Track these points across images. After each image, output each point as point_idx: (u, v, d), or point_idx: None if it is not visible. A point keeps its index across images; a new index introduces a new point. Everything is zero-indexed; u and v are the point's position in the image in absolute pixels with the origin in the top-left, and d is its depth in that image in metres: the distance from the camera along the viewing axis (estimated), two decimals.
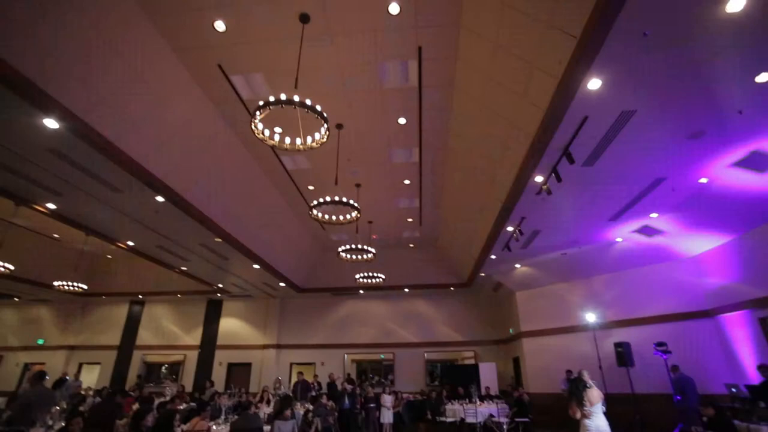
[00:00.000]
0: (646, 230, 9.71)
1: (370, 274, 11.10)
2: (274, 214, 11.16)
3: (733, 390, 7.24)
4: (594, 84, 5.00)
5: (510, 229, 9.46)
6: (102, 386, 13.42)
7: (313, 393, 11.19)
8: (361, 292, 15.94)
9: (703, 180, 7.45)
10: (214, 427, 6.39)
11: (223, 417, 7.06)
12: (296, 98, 4.39)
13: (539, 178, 7.19)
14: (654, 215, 8.93)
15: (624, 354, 9.95)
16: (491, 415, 10.61)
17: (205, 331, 16.94)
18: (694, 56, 4.65)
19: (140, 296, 16.80)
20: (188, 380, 15.85)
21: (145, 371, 16.62)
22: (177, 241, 10.16)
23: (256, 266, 11.87)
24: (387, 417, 10.78)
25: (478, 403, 10.80)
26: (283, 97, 4.39)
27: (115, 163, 6.32)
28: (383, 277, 11.31)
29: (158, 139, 6.77)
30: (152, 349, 16.95)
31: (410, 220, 12.38)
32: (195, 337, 16.94)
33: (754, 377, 8.34)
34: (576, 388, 6.10)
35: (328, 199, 6.78)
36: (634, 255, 10.76)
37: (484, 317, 16.48)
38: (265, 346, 16.33)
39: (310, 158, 9.11)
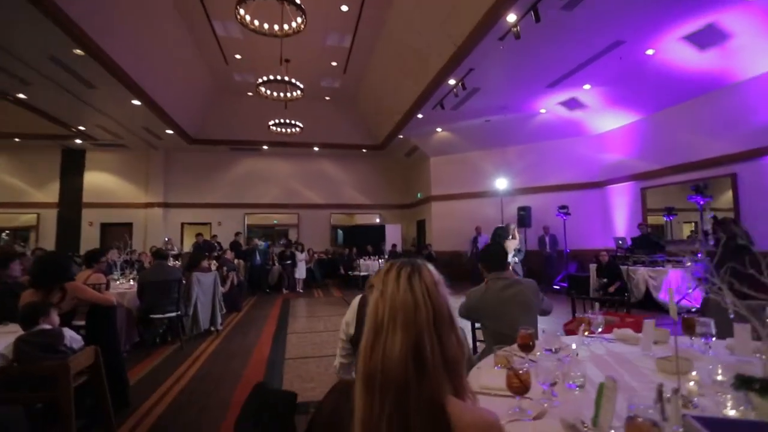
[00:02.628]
0: (571, 103, 9.91)
1: (287, 121, 9.52)
2: (165, 34, 8.37)
3: (620, 242, 8.53)
4: None
5: (452, 82, 8.67)
6: None
7: (216, 253, 10.24)
8: (265, 148, 14.28)
9: (650, 51, 7.44)
10: (118, 282, 5.19)
11: (118, 272, 5.80)
12: None
13: (512, 17, 6.25)
14: (587, 86, 8.99)
15: (525, 217, 10.96)
16: None
17: (65, 187, 13.81)
18: None
19: None
20: (47, 244, 13.23)
21: None
22: (9, 49, 7.02)
23: (136, 102, 9.26)
24: (301, 272, 10.61)
25: None
26: None
27: None
28: (301, 125, 9.89)
29: None
30: None
31: (334, 64, 10.62)
32: (50, 194, 13.77)
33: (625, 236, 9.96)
34: (497, 234, 6.38)
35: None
36: (549, 128, 11.16)
37: (391, 182, 16.57)
38: (148, 205, 14.19)
39: None
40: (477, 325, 3.03)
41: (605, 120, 10.30)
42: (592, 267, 8.35)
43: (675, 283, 6.80)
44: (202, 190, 14.68)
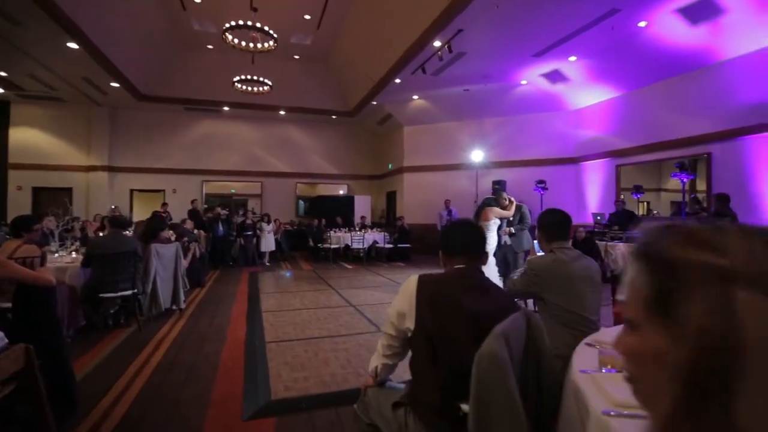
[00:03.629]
0: (553, 75, 9.67)
1: (254, 77, 8.55)
2: None
3: (599, 218, 8.55)
4: None
5: (437, 44, 8.09)
6: None
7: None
8: (226, 109, 13.10)
9: (642, 23, 7.26)
10: (56, 255, 4.36)
11: (56, 243, 4.93)
12: None
13: None
14: (572, 58, 8.75)
15: (500, 191, 10.76)
16: (375, 242, 10.78)
17: None
18: None
19: None
20: None
21: None
22: None
23: (73, 45, 7.94)
24: (268, 244, 9.92)
25: (367, 231, 10.77)
26: None
27: None
28: (270, 84, 8.96)
29: None
30: None
31: (308, 17, 9.63)
32: None
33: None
34: (486, 204, 6.06)
35: None
36: (528, 101, 10.92)
37: (362, 151, 15.91)
38: (90, 168, 12.70)
39: None
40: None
41: (584, 95, 10.17)
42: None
43: None
44: (153, 154, 13.34)
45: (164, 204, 10.72)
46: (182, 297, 4.78)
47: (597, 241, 7.66)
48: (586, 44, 8.06)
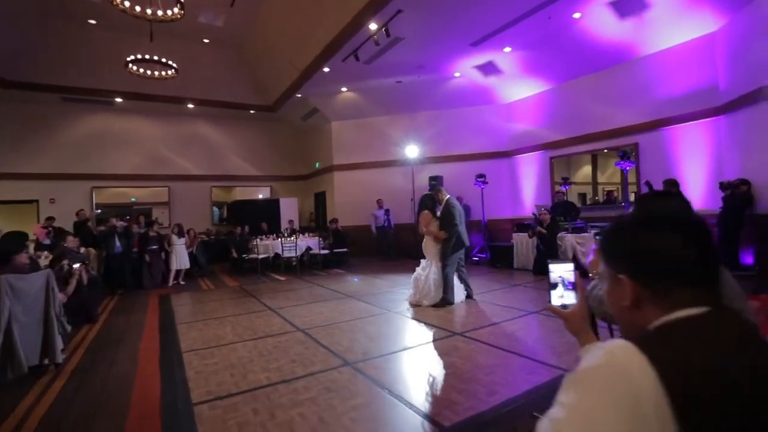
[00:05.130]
0: (487, 67, 9.50)
1: (154, 57, 6.99)
2: None
3: (543, 209, 8.48)
4: None
5: (373, 27, 7.34)
6: None
7: (47, 241, 7.32)
8: (119, 100, 11.00)
9: (577, 15, 7.28)
10: None
11: None
12: None
13: None
14: (507, 49, 8.61)
15: (437, 186, 10.38)
16: (309, 248, 9.74)
17: None
18: None
19: None
20: None
21: None
22: None
23: None
24: (181, 261, 8.32)
25: (299, 236, 9.66)
26: None
27: None
28: (175, 66, 7.45)
29: None
30: None
31: None
32: None
33: (531, 207, 10.15)
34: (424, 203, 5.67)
35: None
36: (461, 94, 10.70)
37: (285, 149, 14.64)
38: None
39: None
40: None
41: (516, 89, 10.18)
42: (517, 236, 8.14)
43: None
44: (22, 156, 10.73)
45: (49, 219, 8.33)
46: (59, 345, 3.39)
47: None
48: (522, 34, 7.92)
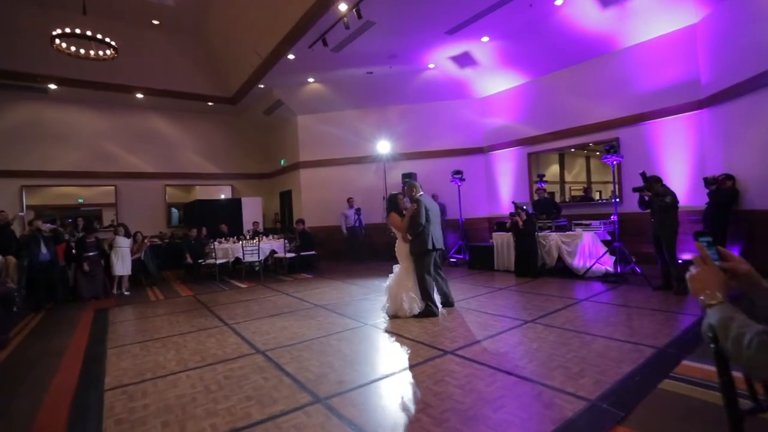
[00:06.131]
0: (463, 59, 9.06)
1: (88, 33, 5.98)
2: None
3: (524, 207, 8.08)
4: None
5: (343, 7, 6.67)
6: None
7: None
8: (53, 87, 9.74)
9: (559, 2, 6.90)
10: None
11: None
12: None
13: None
14: (485, 39, 8.19)
15: (412, 183, 9.81)
16: (274, 251, 8.93)
17: None
18: None
19: None
20: None
21: None
22: None
23: None
24: (124, 266, 7.33)
25: (262, 238, 8.82)
26: None
27: None
28: (114, 45, 6.46)
29: None
30: None
31: None
32: None
33: (508, 206, 9.78)
34: (391, 201, 5.17)
35: None
36: (434, 88, 10.20)
37: (247, 146, 13.69)
38: None
39: None
40: None
41: (492, 82, 9.78)
42: (498, 236, 7.69)
43: (588, 248, 6.49)
44: None
45: None
46: None
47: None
48: (501, 22, 7.49)
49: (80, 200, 11.29)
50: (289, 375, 3.07)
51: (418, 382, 2.82)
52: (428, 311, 4.61)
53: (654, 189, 5.31)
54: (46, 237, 6.17)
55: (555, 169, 9.48)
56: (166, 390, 2.91)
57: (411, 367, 3.12)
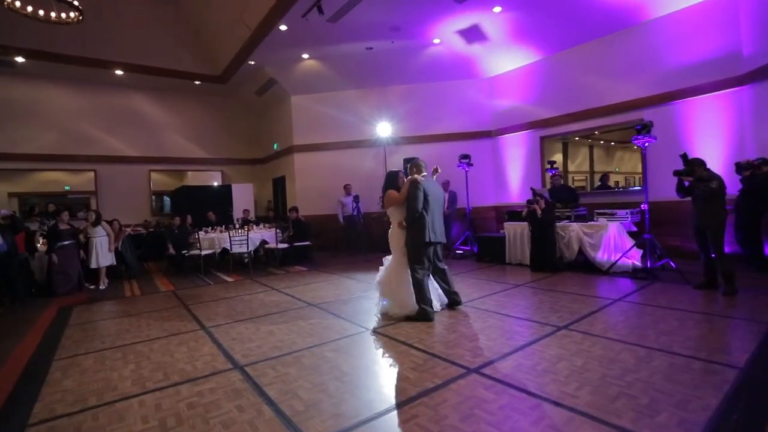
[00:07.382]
0: (471, 32, 8.27)
1: None
2: None
3: (543, 194, 7.42)
4: None
5: None
6: None
7: None
8: (20, 60, 8.88)
9: None
10: None
11: None
12: None
13: None
14: (497, 9, 7.39)
15: (416, 161, 9.10)
16: (264, 242, 8.22)
17: None
18: None
19: None
20: None
21: None
22: None
23: None
24: (102, 258, 6.62)
25: (252, 228, 8.11)
26: None
27: None
28: (79, 7, 5.64)
29: None
30: None
31: None
32: None
33: (518, 194, 9.13)
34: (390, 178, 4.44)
35: None
36: (439, 66, 9.42)
37: (238, 128, 12.89)
38: None
39: None
40: None
41: (502, 59, 9.00)
42: (510, 226, 7.01)
43: (614, 240, 5.82)
44: None
45: None
46: None
47: None
48: None
49: (66, 187, 10.52)
50: (272, 403, 2.38)
51: (440, 418, 2.14)
52: (423, 315, 3.94)
53: (697, 173, 4.63)
54: (2, 225, 5.42)
55: (558, 158, 8.84)
56: (107, 426, 2.21)
57: (428, 393, 2.44)
